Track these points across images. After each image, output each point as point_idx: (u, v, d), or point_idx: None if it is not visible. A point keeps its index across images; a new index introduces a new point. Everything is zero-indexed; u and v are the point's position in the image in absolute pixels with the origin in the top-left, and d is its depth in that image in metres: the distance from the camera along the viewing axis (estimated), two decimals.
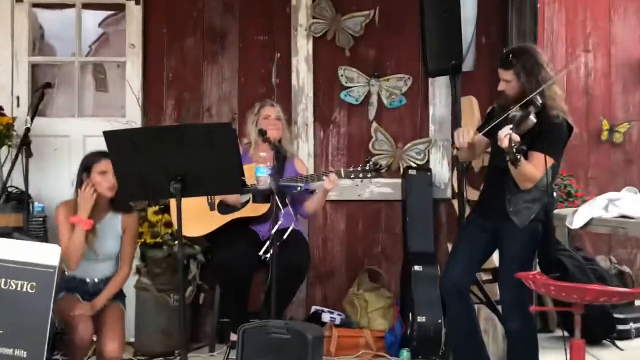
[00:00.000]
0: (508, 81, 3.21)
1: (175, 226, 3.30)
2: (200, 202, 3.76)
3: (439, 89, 4.65)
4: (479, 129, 3.41)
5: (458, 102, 4.04)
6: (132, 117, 4.60)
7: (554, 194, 3.58)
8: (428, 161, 4.67)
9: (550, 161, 3.14)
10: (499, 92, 3.28)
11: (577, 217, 3.06)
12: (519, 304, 3.23)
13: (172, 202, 3.69)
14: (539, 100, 3.13)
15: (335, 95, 4.71)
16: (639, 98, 4.79)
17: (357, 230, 4.74)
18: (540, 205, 3.23)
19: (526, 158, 3.07)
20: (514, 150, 2.92)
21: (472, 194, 4.08)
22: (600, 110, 4.79)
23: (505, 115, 3.15)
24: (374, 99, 4.68)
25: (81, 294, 3.38)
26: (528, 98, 3.13)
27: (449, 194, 4.65)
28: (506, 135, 2.96)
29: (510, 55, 3.18)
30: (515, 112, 3.14)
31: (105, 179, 3.33)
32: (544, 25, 4.70)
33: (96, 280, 3.41)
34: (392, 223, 4.72)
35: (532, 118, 3.10)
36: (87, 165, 3.39)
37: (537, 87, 3.14)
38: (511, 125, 3.04)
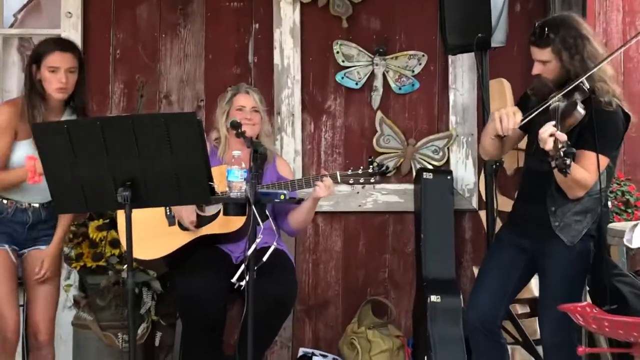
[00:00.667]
0: (545, 62, 3.23)
1: (124, 246, 3.29)
2: (157, 215, 3.75)
3: (462, 70, 4.66)
4: None
5: (486, 87, 4.06)
6: None
7: (609, 203, 3.58)
8: (448, 162, 4.68)
9: (604, 161, 3.16)
10: (534, 77, 3.27)
11: (638, 234, 3.08)
12: (564, 344, 3.24)
13: (120, 215, 3.72)
14: (587, 85, 3.15)
15: (329, 78, 4.72)
16: None
17: (358, 251, 4.74)
18: (593, 218, 3.25)
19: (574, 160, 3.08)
20: (562, 154, 2.90)
21: (505, 204, 4.09)
22: None
23: (545, 105, 3.16)
24: (378, 82, 4.69)
25: (16, 227, 3.47)
26: (574, 84, 3.13)
27: (474, 204, 4.66)
28: (551, 135, 2.96)
29: (547, 29, 3.19)
30: (557, 101, 3.14)
31: (55, 78, 3.40)
32: None
33: (37, 205, 3.50)
34: (403, 241, 4.73)
35: (580, 109, 3.10)
36: (37, 57, 3.45)
37: (583, 66, 3.15)
38: (554, 122, 3.02)
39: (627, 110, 3.25)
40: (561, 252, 3.24)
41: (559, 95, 3.16)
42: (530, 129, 3.33)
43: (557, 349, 3.26)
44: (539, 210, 3.27)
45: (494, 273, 3.40)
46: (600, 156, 3.13)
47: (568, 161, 2.89)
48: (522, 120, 3.22)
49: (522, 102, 3.45)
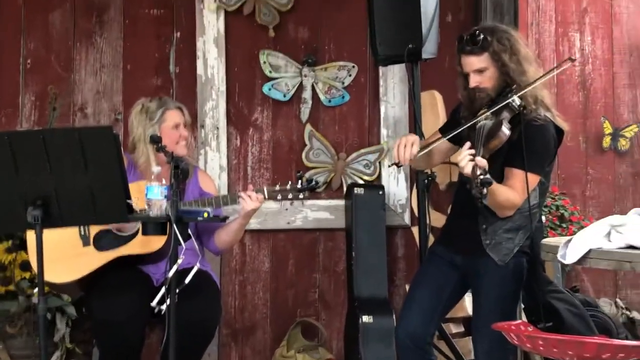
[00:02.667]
0: (482, 70, 3.26)
1: (35, 269, 3.23)
2: (70, 235, 3.70)
3: (393, 82, 4.72)
4: (443, 131, 3.47)
5: (417, 99, 4.11)
6: None
7: (542, 217, 3.66)
8: (379, 176, 4.73)
9: (534, 179, 3.21)
10: (471, 93, 3.28)
11: (572, 249, 3.10)
12: None
13: (31, 236, 3.65)
14: (517, 102, 3.19)
15: (256, 89, 4.73)
16: None
17: (287, 270, 4.75)
18: (525, 235, 3.31)
19: (500, 180, 3.13)
20: (479, 182, 2.92)
21: (438, 220, 4.15)
22: (601, 108, 4.95)
23: (473, 121, 3.19)
24: (307, 94, 4.72)
25: None
26: (505, 102, 3.13)
27: (407, 220, 4.71)
28: (470, 161, 2.98)
29: (481, 34, 3.23)
30: (484, 119, 3.18)
31: None
32: None
33: None
34: (334, 259, 4.75)
35: (505, 130, 3.13)
36: None
37: (520, 68, 3.20)
38: (469, 145, 3.05)
39: (559, 124, 3.29)
40: (493, 270, 3.28)
41: (488, 113, 3.19)
42: (462, 143, 3.37)
43: None
44: (471, 226, 3.32)
45: (425, 289, 3.43)
46: (530, 174, 3.17)
47: (484, 190, 2.91)
48: (419, 152, 3.26)
49: (454, 113, 3.49)
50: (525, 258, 3.32)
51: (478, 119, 3.19)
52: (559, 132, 3.30)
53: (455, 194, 3.60)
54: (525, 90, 3.18)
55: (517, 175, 3.19)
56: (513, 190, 3.18)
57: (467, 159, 3.00)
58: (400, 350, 3.45)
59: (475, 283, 3.36)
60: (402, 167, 3.34)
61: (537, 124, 3.22)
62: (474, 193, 2.94)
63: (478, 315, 3.35)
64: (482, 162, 3.00)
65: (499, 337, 3.07)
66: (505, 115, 3.18)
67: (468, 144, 3.08)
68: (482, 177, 2.92)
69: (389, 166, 3.73)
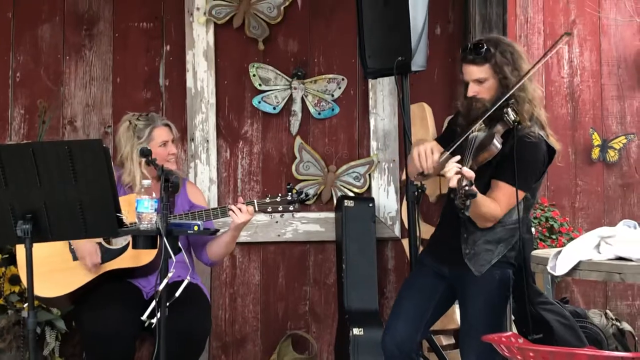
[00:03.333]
0: (482, 81, 3.26)
1: (25, 283, 3.22)
2: (60, 249, 3.69)
3: (382, 94, 4.74)
4: (439, 142, 3.49)
5: (406, 111, 4.13)
6: None
7: (532, 229, 3.68)
8: (369, 189, 4.74)
9: (519, 195, 3.22)
10: (469, 102, 3.30)
11: (561, 261, 3.12)
12: None
13: (20, 250, 3.65)
14: (512, 116, 3.21)
15: (245, 102, 4.75)
16: (638, 104, 5.00)
17: (277, 283, 4.75)
18: (507, 247, 3.32)
19: (484, 192, 3.15)
20: (463, 193, 2.94)
21: (428, 232, 4.14)
22: (590, 120, 4.98)
23: (466, 134, 3.21)
24: (297, 106, 4.73)
25: None
26: (497, 106, 3.18)
27: (397, 232, 4.72)
28: (457, 173, 3.00)
29: (485, 44, 3.25)
30: (477, 130, 3.19)
31: None
32: (516, 12, 4.87)
33: None
34: (324, 272, 4.75)
35: (497, 143, 3.15)
36: None
37: (520, 86, 3.20)
38: (458, 158, 3.06)
39: (552, 144, 3.30)
40: (479, 281, 3.30)
41: (481, 124, 3.20)
42: (454, 154, 3.38)
43: None
44: (455, 237, 3.34)
45: (411, 298, 3.45)
46: (516, 190, 3.19)
47: (468, 202, 2.94)
48: (440, 157, 3.23)
49: (452, 122, 3.50)
50: (511, 270, 3.34)
51: (471, 130, 3.21)
52: (551, 151, 3.31)
53: (443, 205, 3.62)
54: (518, 84, 3.19)
55: (502, 189, 3.22)
56: (496, 203, 3.21)
57: (453, 170, 3.02)
58: (388, 359, 3.46)
59: (462, 294, 3.38)
60: (428, 176, 3.31)
61: (530, 140, 3.24)
62: (457, 204, 2.96)
63: (465, 327, 3.36)
64: (469, 173, 3.02)
65: (486, 348, 3.08)
66: (499, 128, 3.20)
67: (458, 157, 3.10)
68: (467, 188, 2.94)
69: (413, 180, 3.63)
